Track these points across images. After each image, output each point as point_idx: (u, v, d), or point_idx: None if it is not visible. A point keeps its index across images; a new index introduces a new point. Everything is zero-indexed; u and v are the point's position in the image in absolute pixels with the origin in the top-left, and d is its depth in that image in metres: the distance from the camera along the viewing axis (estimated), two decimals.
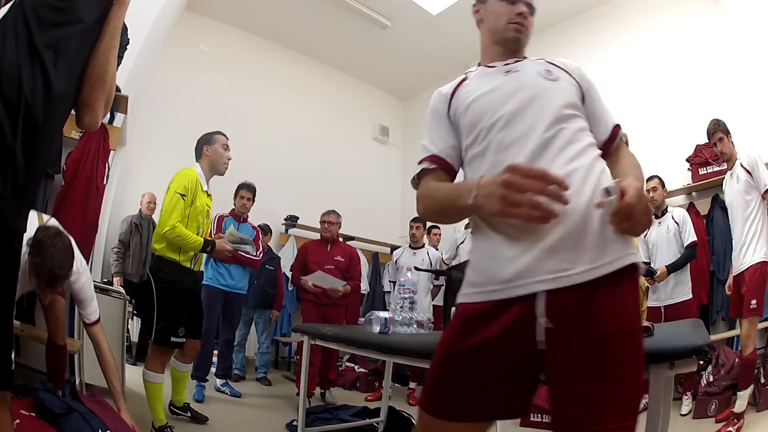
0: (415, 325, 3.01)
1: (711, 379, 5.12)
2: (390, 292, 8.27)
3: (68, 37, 1.71)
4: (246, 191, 6.04)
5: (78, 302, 3.40)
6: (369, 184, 11.11)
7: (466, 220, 6.54)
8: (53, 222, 3.27)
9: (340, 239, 6.92)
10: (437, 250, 7.42)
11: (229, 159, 4.51)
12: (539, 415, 4.74)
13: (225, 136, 4.57)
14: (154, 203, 7.08)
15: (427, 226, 7.66)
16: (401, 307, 3.15)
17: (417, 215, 7.07)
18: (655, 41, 7.50)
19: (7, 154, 1.56)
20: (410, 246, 7.27)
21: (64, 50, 1.70)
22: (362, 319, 3.07)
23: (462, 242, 6.55)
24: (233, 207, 6.14)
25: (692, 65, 6.94)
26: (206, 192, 4.40)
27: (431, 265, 6.90)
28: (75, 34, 1.74)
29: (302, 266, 6.41)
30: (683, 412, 5.21)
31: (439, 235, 7.92)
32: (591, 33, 8.41)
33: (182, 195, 4.08)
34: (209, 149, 4.43)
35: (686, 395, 5.30)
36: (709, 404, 4.95)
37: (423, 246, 7.19)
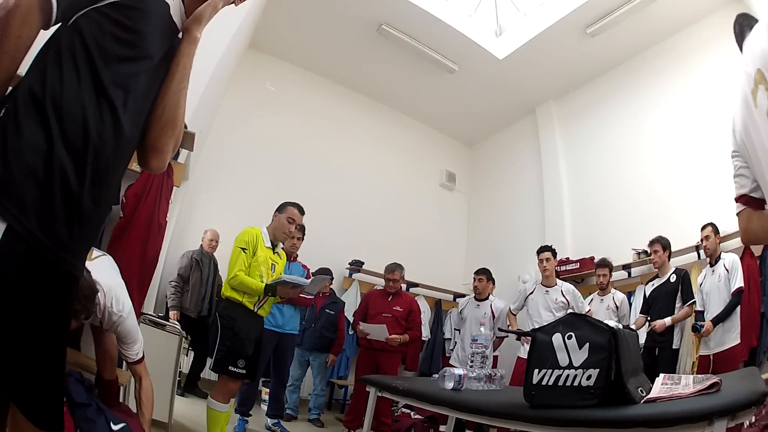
0: (485, 380, 2.89)
1: (753, 419, 4.89)
2: (450, 339, 8.21)
3: (137, 74, 1.57)
4: (296, 231, 5.95)
5: (122, 343, 3.33)
6: (434, 230, 11.08)
7: (533, 271, 6.45)
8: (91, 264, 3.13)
9: (403, 287, 6.94)
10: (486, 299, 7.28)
11: (291, 233, 4.86)
12: None
13: (299, 209, 4.79)
14: (217, 241, 7.11)
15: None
16: (472, 362, 3.06)
17: (482, 266, 7.08)
18: (703, 84, 7.40)
19: (73, 204, 1.42)
20: (474, 297, 7.18)
21: (133, 89, 1.56)
22: (436, 375, 2.97)
23: (531, 293, 6.41)
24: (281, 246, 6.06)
25: None
26: (270, 248, 4.66)
27: (494, 317, 6.82)
28: (144, 71, 1.60)
29: (363, 314, 6.56)
30: None
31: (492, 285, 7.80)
32: (645, 75, 8.36)
33: (243, 249, 4.45)
34: (277, 216, 4.74)
35: None
36: None
37: (487, 298, 7.06)
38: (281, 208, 4.73)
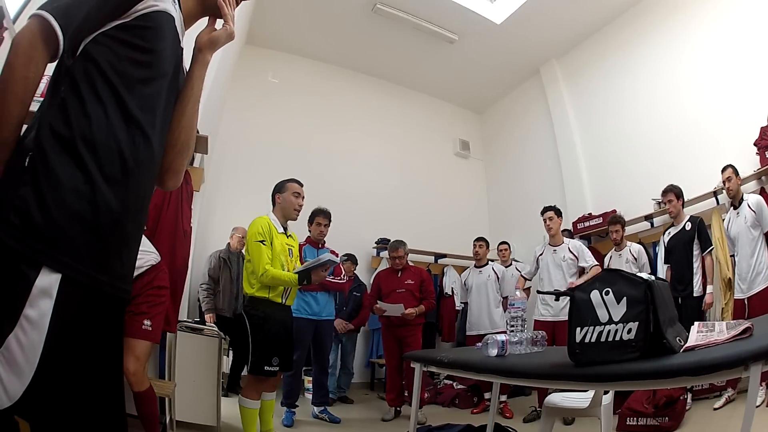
0: (526, 343, 2.93)
1: None
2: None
3: (159, 93, 1.56)
4: (322, 217, 5.96)
5: None
6: (455, 199, 11.15)
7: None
8: None
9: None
10: (510, 265, 7.57)
11: (301, 206, 4.68)
12: (635, 418, 4.82)
13: (298, 183, 4.72)
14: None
15: (498, 243, 7.89)
16: (513, 327, 3.08)
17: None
18: (711, 26, 7.28)
19: (122, 234, 1.43)
20: (475, 265, 7.40)
21: (158, 109, 1.55)
22: (479, 344, 2.99)
23: (541, 254, 6.39)
24: (308, 234, 6.09)
25: (753, 48, 6.66)
26: (284, 234, 4.62)
27: (498, 279, 7.08)
28: (164, 89, 1.58)
29: (376, 295, 6.64)
30: (757, 403, 5.01)
31: (507, 250, 7.80)
32: (650, 26, 8.22)
33: (262, 242, 4.34)
34: (281, 197, 4.65)
35: (761, 386, 5.02)
36: None
37: (487, 263, 7.28)
38: (281, 188, 4.67)
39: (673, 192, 5.98)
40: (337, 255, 5.98)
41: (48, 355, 1.23)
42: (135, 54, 1.48)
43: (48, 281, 1.24)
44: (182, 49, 1.71)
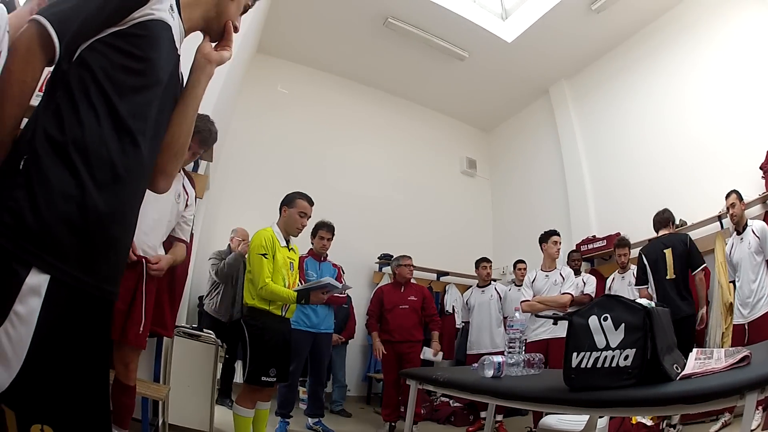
0: (523, 365, 2.91)
1: None
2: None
3: (151, 102, 1.57)
4: (326, 231, 5.96)
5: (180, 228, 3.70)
6: (459, 217, 11.13)
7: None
8: None
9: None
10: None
11: (304, 226, 4.64)
12: None
13: (308, 201, 4.64)
14: (248, 242, 6.78)
15: (514, 261, 7.90)
16: (511, 348, 3.05)
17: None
18: (718, 48, 7.34)
19: (110, 239, 1.45)
20: (477, 285, 7.51)
21: (150, 117, 1.56)
22: (475, 365, 2.99)
23: (533, 280, 6.21)
24: (311, 247, 6.08)
25: (759, 72, 6.70)
26: (286, 247, 4.57)
27: (500, 299, 7.20)
28: (157, 98, 1.59)
29: (378, 310, 6.61)
30: (752, 427, 4.95)
31: (525, 269, 7.73)
32: (658, 48, 8.24)
33: (264, 254, 4.31)
34: (287, 211, 4.60)
35: (757, 410, 4.98)
36: None
37: (490, 283, 7.42)
38: (290, 202, 4.60)
39: (659, 222, 6.11)
40: (339, 272, 6.00)
41: (35, 350, 1.26)
42: (128, 62, 1.49)
43: (37, 281, 1.26)
44: (179, 56, 1.73)
